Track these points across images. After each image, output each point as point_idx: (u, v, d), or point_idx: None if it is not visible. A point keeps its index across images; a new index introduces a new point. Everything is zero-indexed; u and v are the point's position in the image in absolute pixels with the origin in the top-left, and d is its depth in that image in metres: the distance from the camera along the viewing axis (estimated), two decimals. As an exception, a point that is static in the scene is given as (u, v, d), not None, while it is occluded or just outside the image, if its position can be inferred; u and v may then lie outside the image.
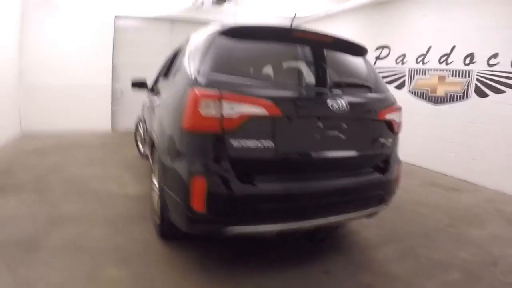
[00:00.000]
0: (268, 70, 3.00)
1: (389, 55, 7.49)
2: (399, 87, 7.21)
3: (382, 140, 3.02)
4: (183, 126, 2.48)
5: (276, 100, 2.47)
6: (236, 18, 9.35)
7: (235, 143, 2.39)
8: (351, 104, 2.74)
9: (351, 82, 3.05)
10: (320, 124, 2.65)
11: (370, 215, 3.19)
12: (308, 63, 2.96)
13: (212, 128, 2.36)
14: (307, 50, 2.95)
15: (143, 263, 2.87)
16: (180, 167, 2.52)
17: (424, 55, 6.68)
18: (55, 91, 8.25)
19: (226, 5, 8.71)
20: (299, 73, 2.92)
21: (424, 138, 6.70)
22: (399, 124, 3.16)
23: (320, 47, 2.97)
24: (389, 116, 3.02)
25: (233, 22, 2.94)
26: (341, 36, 3.08)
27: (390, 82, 7.41)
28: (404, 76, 7.16)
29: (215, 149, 2.40)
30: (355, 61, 3.24)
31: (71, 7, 8.23)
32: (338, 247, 3.41)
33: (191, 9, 9.11)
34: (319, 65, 2.94)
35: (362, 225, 3.83)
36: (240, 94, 2.40)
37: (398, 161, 3.24)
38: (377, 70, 7.43)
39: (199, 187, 2.36)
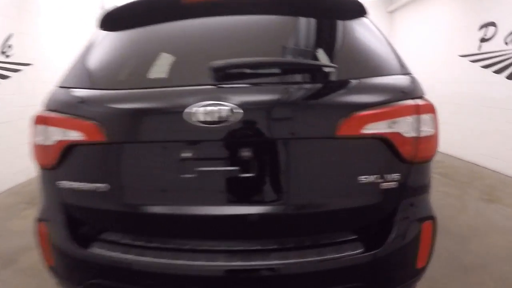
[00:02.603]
0: (158, 66, 1.92)
1: (496, 34, 5.51)
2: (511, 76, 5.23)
3: (365, 179, 1.60)
4: None
5: (101, 119, 1.62)
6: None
7: (63, 183, 1.74)
8: (256, 108, 1.57)
9: (278, 61, 1.71)
10: (187, 154, 1.58)
11: None
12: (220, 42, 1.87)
13: (40, 160, 1.80)
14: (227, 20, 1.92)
15: None
16: None
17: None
18: None
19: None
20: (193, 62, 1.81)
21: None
22: (425, 141, 1.63)
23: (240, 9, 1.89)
24: (379, 127, 1.57)
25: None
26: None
27: (499, 71, 5.44)
28: (516, 60, 5.15)
29: (48, 189, 1.83)
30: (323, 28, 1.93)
31: None
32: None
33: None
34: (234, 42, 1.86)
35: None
36: (65, 115, 1.70)
37: (422, 219, 1.71)
38: (481, 56, 5.79)
39: (42, 235, 1.84)
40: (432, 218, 1.74)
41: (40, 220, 1.83)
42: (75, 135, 1.64)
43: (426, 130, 1.61)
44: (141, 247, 1.68)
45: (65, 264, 1.79)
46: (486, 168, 5.63)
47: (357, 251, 1.62)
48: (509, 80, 5.25)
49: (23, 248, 3.25)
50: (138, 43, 1.93)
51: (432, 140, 1.66)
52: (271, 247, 1.65)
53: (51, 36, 6.01)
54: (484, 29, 5.77)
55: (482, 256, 2.98)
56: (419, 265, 1.72)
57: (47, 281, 2.73)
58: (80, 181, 1.67)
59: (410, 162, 1.62)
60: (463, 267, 2.83)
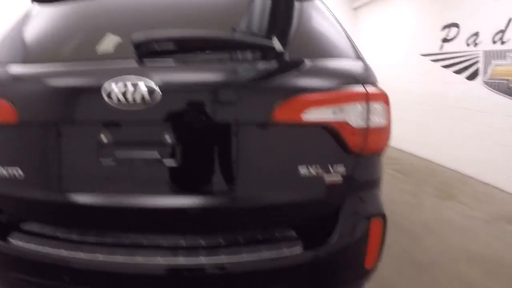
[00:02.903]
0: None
1: (458, 35, 5.58)
2: (472, 77, 5.29)
3: (307, 171, 1.45)
4: None
5: (13, 96, 1.47)
6: None
7: None
8: (182, 89, 1.44)
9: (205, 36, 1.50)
10: (105, 137, 1.44)
11: None
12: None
13: None
14: None
15: None
16: None
17: (503, 32, 4.72)
18: None
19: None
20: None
21: (505, 148, 4.73)
22: (375, 132, 1.50)
23: None
24: (323, 114, 1.42)
25: None
26: None
27: (459, 71, 5.52)
28: (477, 62, 5.21)
29: None
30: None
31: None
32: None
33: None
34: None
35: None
36: None
37: (371, 216, 1.60)
38: (443, 56, 5.86)
39: None
40: (382, 215, 1.63)
41: None
42: None
43: (376, 120, 1.49)
44: (62, 239, 1.52)
45: None
46: (443, 166, 5.72)
47: (296, 250, 1.48)
48: (468, 81, 5.33)
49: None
50: (65, 18, 1.81)
51: (383, 131, 1.54)
52: (201, 244, 1.51)
53: None
54: (446, 30, 5.83)
55: (436, 254, 2.98)
56: (367, 265, 1.61)
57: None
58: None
59: (357, 154, 1.49)
60: (416, 265, 2.82)
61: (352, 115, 1.44)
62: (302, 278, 1.51)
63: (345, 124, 1.44)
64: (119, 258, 1.43)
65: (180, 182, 1.51)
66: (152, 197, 1.49)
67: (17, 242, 1.51)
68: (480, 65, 5.15)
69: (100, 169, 1.47)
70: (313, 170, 1.45)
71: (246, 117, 1.42)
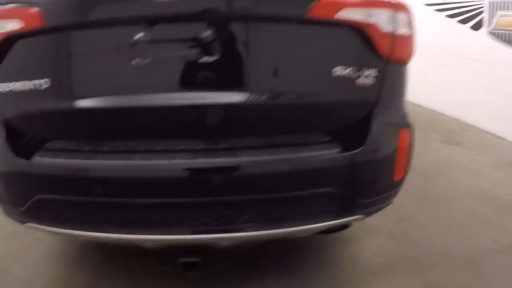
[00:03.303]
0: None
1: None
2: (476, 27, 5.30)
3: (339, 72, 1.53)
4: None
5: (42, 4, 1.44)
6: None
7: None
8: None
9: None
10: (138, 35, 1.44)
11: (324, 231, 1.87)
12: None
13: None
14: None
15: None
16: None
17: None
18: None
19: None
20: None
21: (510, 99, 4.76)
22: (402, 40, 1.61)
23: None
24: (355, 15, 1.51)
25: None
26: None
27: (464, 21, 5.52)
28: (481, 11, 5.20)
29: None
30: None
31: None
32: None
33: None
34: None
35: (358, 228, 2.47)
36: None
37: (399, 125, 1.72)
38: (447, 6, 5.82)
39: None
40: (409, 126, 1.74)
41: None
42: (11, 25, 1.47)
43: (403, 28, 1.60)
44: (92, 151, 1.58)
45: (6, 183, 1.65)
46: (446, 115, 5.80)
47: (334, 151, 1.59)
48: (473, 31, 5.33)
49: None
50: None
51: (408, 41, 1.66)
52: (237, 145, 1.59)
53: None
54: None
55: (448, 192, 3.14)
56: (397, 176, 1.72)
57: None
58: (18, 80, 1.51)
59: (386, 60, 1.59)
60: (429, 201, 2.96)
61: (382, 19, 1.54)
62: (338, 182, 1.61)
63: (376, 28, 1.54)
64: (158, 162, 1.51)
65: (214, 78, 1.55)
66: (189, 93, 1.54)
67: (42, 159, 1.56)
68: (485, 15, 5.15)
69: (133, 70, 1.48)
70: (345, 71, 1.54)
71: (284, 11, 1.50)
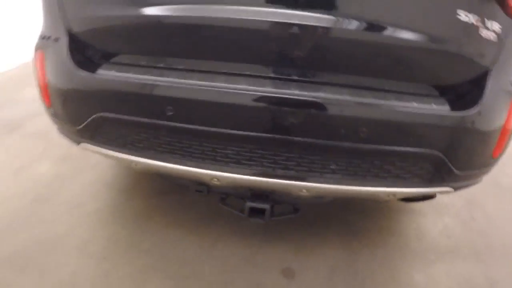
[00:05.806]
0: None
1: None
2: None
3: (466, 15, 1.33)
4: None
5: None
6: None
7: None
8: None
9: None
10: None
11: (412, 199, 1.77)
12: None
13: None
14: None
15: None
16: None
17: None
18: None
19: None
20: None
21: None
22: None
23: None
24: None
25: None
26: None
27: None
28: None
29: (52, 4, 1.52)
30: None
31: None
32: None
33: None
34: None
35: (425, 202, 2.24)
36: None
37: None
38: None
39: (41, 67, 1.56)
40: None
41: (38, 48, 1.59)
42: None
43: None
44: (164, 68, 1.44)
45: (65, 98, 1.55)
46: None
47: (443, 108, 1.41)
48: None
49: (30, 115, 3.06)
50: None
51: None
52: (333, 80, 1.43)
53: None
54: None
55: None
56: (495, 153, 1.55)
57: (52, 143, 2.57)
58: None
59: None
60: (499, 187, 2.77)
61: None
62: (440, 144, 1.43)
63: None
64: (239, 88, 1.37)
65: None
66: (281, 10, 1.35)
67: (107, 72, 1.45)
68: None
69: None
70: (470, 17, 1.34)
71: None
